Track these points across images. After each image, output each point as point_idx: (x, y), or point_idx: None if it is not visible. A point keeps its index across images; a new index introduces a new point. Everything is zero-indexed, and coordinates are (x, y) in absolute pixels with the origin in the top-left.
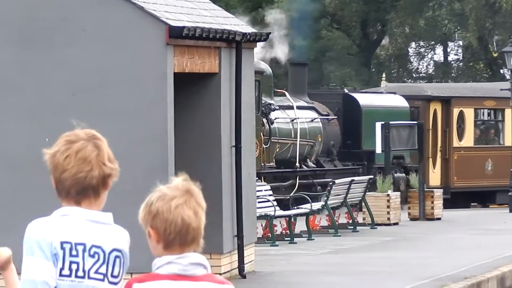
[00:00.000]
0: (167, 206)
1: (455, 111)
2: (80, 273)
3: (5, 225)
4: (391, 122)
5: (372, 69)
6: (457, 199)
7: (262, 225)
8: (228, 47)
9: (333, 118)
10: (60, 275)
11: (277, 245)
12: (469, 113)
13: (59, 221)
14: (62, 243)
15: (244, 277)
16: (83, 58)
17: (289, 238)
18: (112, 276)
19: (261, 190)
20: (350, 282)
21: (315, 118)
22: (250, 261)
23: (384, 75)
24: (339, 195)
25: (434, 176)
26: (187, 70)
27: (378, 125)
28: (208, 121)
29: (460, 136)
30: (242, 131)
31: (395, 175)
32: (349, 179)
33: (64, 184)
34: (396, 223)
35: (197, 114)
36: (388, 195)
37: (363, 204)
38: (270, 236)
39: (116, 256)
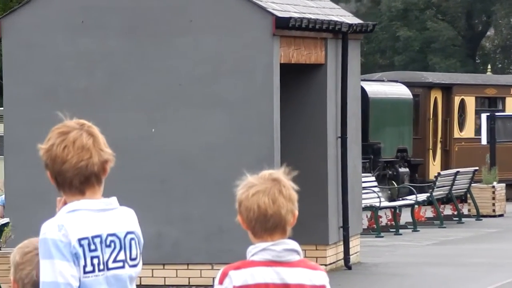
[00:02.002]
0: (246, 193)
1: (456, 100)
2: (101, 266)
3: None
4: (496, 114)
5: (477, 61)
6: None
7: (367, 216)
8: (334, 38)
9: None
10: (85, 272)
11: (382, 236)
12: (470, 101)
13: (71, 218)
14: (79, 240)
15: (349, 268)
16: (190, 49)
17: (394, 229)
18: (131, 259)
19: (366, 181)
20: (455, 273)
21: None
22: (356, 252)
23: (489, 66)
24: (445, 186)
25: (434, 169)
26: (293, 61)
27: (484, 116)
28: (314, 112)
29: (461, 126)
30: (347, 122)
31: (399, 169)
32: (454, 170)
33: (65, 176)
34: (501, 215)
35: (303, 105)
36: (493, 186)
37: (468, 195)
38: (375, 227)
39: (131, 239)
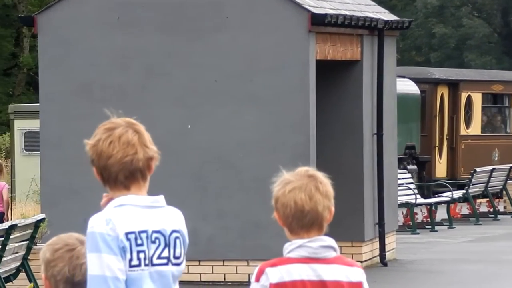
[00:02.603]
0: (283, 190)
1: (463, 96)
2: (147, 261)
3: None
4: None
5: None
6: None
7: (402, 213)
8: (370, 34)
9: None
10: (130, 266)
11: (418, 233)
12: (476, 98)
13: (118, 213)
14: (126, 234)
15: (385, 265)
16: (226, 45)
17: (430, 226)
18: (174, 257)
19: (402, 178)
20: (490, 270)
21: None
22: (391, 249)
23: None
24: (480, 183)
25: (440, 167)
26: (329, 58)
27: None
28: (349, 109)
29: (467, 123)
30: (383, 119)
31: (408, 167)
32: (490, 167)
33: (111, 171)
34: None
35: (339, 101)
36: None
37: (503, 192)
38: (411, 224)
39: (176, 237)
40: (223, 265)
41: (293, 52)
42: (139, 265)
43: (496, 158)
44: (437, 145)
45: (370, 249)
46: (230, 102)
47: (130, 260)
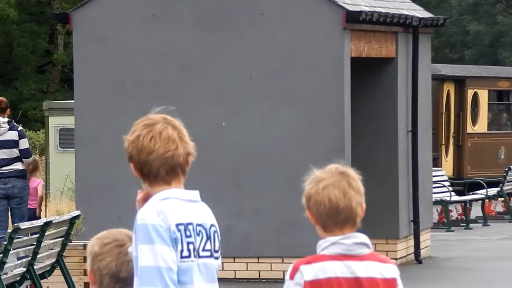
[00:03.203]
0: (316, 188)
1: (469, 93)
2: (195, 253)
3: None
4: None
5: None
6: (470, 191)
7: (437, 211)
8: (404, 32)
9: None
10: (182, 257)
11: (452, 231)
12: (483, 95)
13: (166, 205)
14: (177, 225)
15: (420, 262)
16: (261, 42)
17: (464, 224)
18: (215, 251)
19: (437, 175)
20: None
21: None
22: (426, 247)
23: None
24: None
25: (447, 165)
26: (364, 55)
27: None
28: (384, 106)
29: (474, 121)
30: (418, 116)
31: None
32: None
33: (152, 166)
34: None
35: (374, 99)
36: None
37: None
38: (446, 221)
39: (214, 231)
40: (258, 262)
41: (328, 49)
42: (189, 256)
43: (503, 157)
44: (443, 143)
45: (405, 247)
46: (265, 99)
47: (181, 251)
